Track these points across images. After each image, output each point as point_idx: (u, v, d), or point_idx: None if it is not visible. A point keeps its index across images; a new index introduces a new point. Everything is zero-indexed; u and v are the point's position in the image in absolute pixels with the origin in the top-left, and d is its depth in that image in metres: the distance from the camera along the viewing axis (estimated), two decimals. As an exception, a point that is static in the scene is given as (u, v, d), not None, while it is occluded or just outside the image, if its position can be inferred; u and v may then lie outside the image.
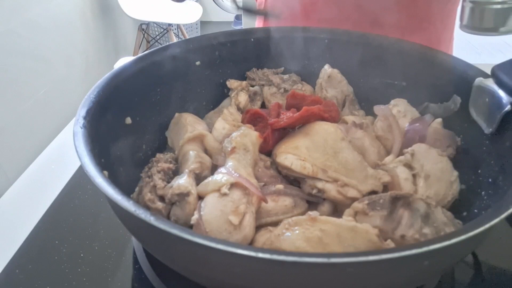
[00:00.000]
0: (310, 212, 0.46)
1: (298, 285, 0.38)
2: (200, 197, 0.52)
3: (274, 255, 0.34)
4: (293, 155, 0.56)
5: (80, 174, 0.76)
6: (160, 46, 0.72)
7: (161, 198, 0.54)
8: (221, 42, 0.76)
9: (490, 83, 0.55)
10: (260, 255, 0.34)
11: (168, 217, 0.54)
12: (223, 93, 0.78)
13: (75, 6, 2.27)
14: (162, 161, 0.60)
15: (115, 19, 2.85)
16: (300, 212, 0.54)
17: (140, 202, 0.55)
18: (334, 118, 0.64)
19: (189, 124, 0.66)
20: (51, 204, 0.70)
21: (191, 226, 0.49)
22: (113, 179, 0.44)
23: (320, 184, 0.55)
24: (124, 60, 0.73)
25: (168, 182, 0.56)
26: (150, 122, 0.68)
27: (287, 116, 0.61)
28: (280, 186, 0.55)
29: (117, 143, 0.60)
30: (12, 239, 0.63)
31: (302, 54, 0.79)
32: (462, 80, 0.62)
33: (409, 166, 0.57)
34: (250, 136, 0.58)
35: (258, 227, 0.52)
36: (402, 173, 0.56)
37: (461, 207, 0.56)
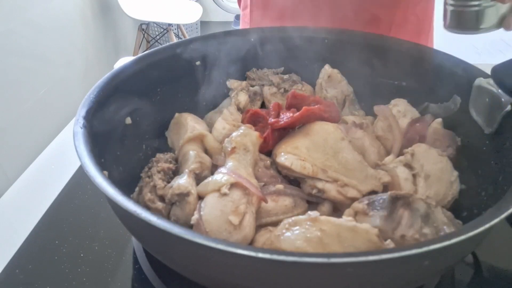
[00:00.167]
0: (310, 212, 0.46)
1: (298, 285, 0.38)
2: (200, 197, 0.52)
3: (274, 255, 0.34)
4: (293, 155, 0.56)
5: (80, 174, 0.76)
6: (160, 46, 0.72)
7: (161, 198, 0.54)
8: (221, 42, 0.76)
9: (490, 83, 0.55)
10: (260, 255, 0.34)
11: (168, 217, 0.54)
12: (223, 93, 0.78)
13: (75, 6, 2.27)
14: (162, 161, 0.60)
15: (115, 19, 2.85)
16: (300, 212, 0.54)
17: (140, 202, 0.55)
18: (334, 118, 0.64)
19: (189, 124, 0.66)
20: (51, 204, 0.70)
21: (191, 226, 0.49)
22: (113, 179, 0.44)
23: (320, 184, 0.55)
24: (124, 60, 0.73)
25: (168, 182, 0.56)
26: (150, 122, 0.68)
27: (287, 116, 0.61)
28: (280, 186, 0.55)
29: (117, 143, 0.60)
30: (12, 239, 0.63)
31: (302, 54, 0.79)
32: (462, 80, 0.62)
33: (409, 166, 0.57)
34: (250, 136, 0.58)
35: (258, 227, 0.52)
36: (402, 173, 0.56)
37: (461, 207, 0.56)
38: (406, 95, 0.71)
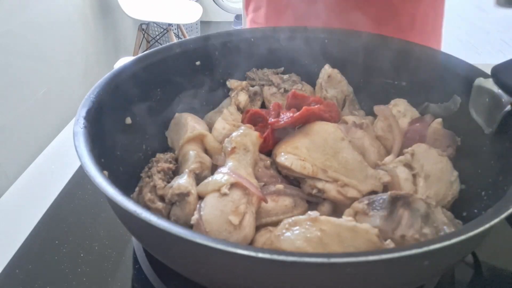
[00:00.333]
0: (310, 212, 0.46)
1: (298, 285, 0.38)
2: (200, 197, 0.52)
3: (274, 255, 0.34)
4: (293, 155, 0.56)
5: (80, 174, 0.76)
6: (160, 46, 0.72)
7: (161, 198, 0.54)
8: (221, 42, 0.76)
9: (490, 83, 0.55)
10: (260, 255, 0.34)
11: (168, 217, 0.54)
12: (223, 93, 0.78)
13: (75, 6, 2.27)
14: (162, 161, 0.60)
15: (115, 19, 2.85)
16: (300, 212, 0.54)
17: (140, 202, 0.55)
18: (334, 118, 0.64)
19: (189, 124, 0.66)
20: (51, 204, 0.70)
21: (191, 226, 0.49)
22: (113, 179, 0.44)
23: (320, 184, 0.55)
24: (124, 60, 0.73)
25: (168, 182, 0.56)
26: (150, 122, 0.68)
27: (287, 116, 0.61)
28: (280, 186, 0.55)
29: (117, 143, 0.60)
30: (12, 239, 0.63)
31: (302, 54, 0.79)
32: (462, 80, 0.62)
33: (409, 166, 0.57)
34: (250, 136, 0.58)
35: (258, 227, 0.52)
36: (402, 173, 0.56)
37: (461, 207, 0.56)
38: (406, 95, 0.71)
